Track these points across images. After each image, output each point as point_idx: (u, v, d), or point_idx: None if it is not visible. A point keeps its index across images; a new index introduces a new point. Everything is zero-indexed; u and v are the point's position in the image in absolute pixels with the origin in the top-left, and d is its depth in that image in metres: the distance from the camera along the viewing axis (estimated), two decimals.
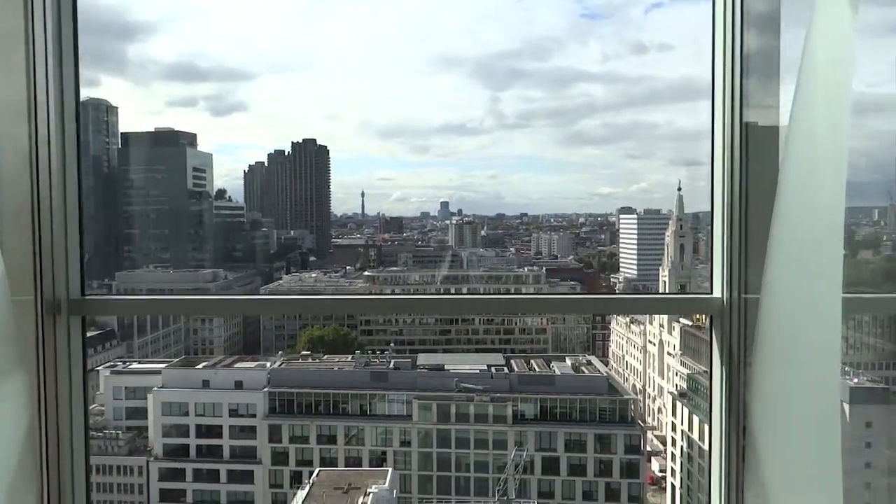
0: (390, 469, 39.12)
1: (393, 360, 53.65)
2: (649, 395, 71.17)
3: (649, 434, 64.63)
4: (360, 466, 47.47)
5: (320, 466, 45.13)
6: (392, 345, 72.73)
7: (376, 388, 49.34)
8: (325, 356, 57.22)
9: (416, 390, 49.99)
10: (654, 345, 71.19)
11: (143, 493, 53.33)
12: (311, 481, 35.45)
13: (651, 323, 75.12)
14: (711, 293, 3.17)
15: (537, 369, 52.73)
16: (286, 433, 52.54)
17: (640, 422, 52.62)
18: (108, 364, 55.74)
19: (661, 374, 67.42)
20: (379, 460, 49.92)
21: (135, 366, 55.04)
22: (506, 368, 53.73)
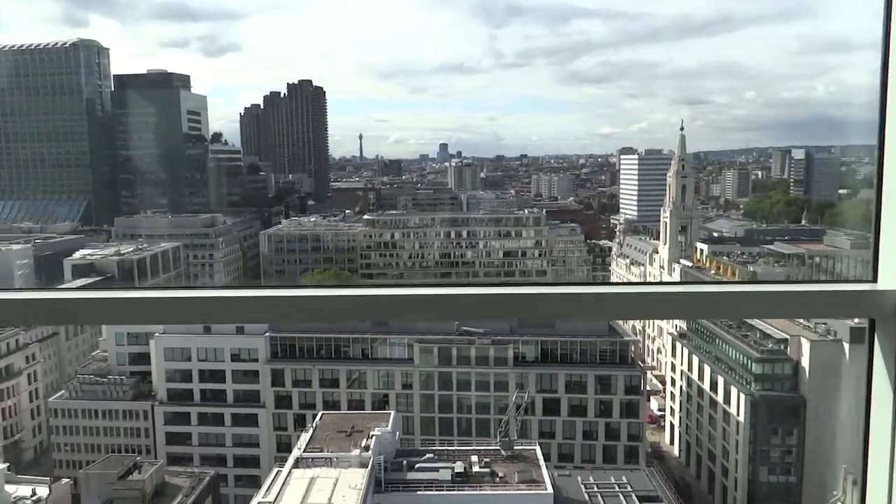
0: (392, 412, 39.63)
1: None
2: (649, 335, 71.20)
3: (649, 374, 64.91)
4: (363, 409, 47.90)
5: (323, 410, 45.66)
6: None
7: (378, 333, 49.54)
8: None
9: (418, 334, 50.22)
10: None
11: (150, 437, 54.05)
12: (314, 424, 35.93)
13: (651, 264, 74.89)
14: (876, 282, 2.15)
15: None
16: (289, 377, 52.89)
17: (639, 363, 52.81)
18: None
19: None
20: (381, 403, 50.34)
21: None
22: None
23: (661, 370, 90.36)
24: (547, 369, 52.45)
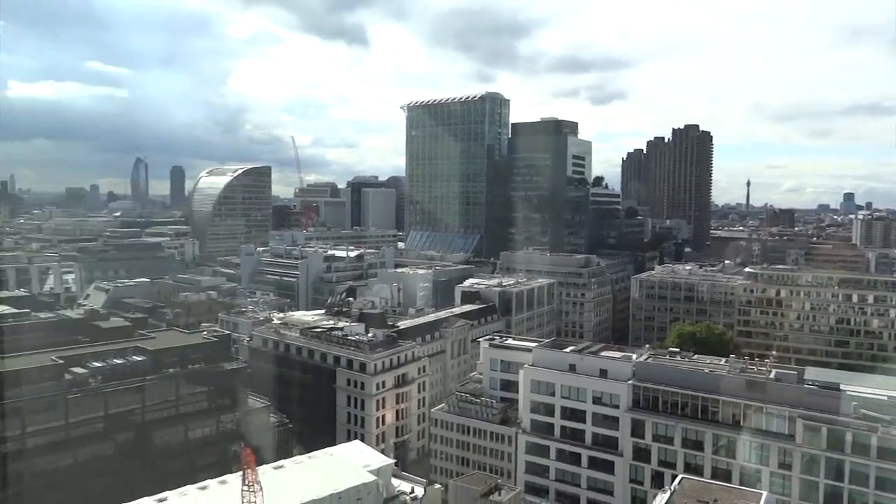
0: (765, 492, 34.92)
1: (774, 370, 48.06)
2: None
3: None
4: (730, 482, 43.46)
5: (684, 471, 42.71)
6: (774, 352, 65.90)
7: (753, 399, 44.64)
8: (696, 356, 53.77)
9: (802, 408, 43.89)
10: None
11: (511, 462, 57.08)
12: (672, 487, 33.51)
13: None
14: None
15: None
16: (649, 430, 50.99)
17: None
18: (487, 336, 61.04)
19: None
20: (753, 479, 45.02)
21: (510, 341, 59.26)
22: None
23: None
24: None
